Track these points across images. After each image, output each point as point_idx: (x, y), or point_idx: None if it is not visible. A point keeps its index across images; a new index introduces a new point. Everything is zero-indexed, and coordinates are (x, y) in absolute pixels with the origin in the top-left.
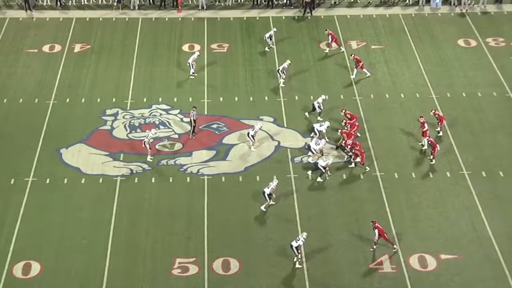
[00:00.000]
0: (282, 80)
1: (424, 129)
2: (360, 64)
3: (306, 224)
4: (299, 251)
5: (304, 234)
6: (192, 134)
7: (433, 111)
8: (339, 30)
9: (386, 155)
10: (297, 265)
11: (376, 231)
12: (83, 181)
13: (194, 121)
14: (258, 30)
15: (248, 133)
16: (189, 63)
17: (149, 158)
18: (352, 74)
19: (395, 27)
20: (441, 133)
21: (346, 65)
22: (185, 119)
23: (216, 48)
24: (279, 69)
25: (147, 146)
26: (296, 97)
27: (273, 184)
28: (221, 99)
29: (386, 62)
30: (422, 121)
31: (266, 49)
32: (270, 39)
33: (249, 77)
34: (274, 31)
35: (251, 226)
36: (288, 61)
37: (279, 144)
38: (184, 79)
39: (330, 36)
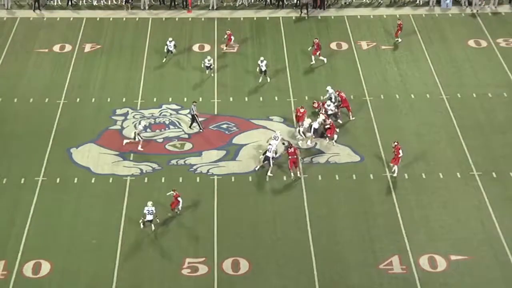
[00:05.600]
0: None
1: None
2: (319, 51)
3: (316, 224)
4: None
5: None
6: (201, 128)
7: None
8: (349, 30)
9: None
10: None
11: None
12: (93, 181)
13: (197, 115)
14: (268, 31)
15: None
16: (206, 66)
17: (140, 148)
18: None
19: (406, 28)
20: (352, 118)
21: (357, 65)
22: None
23: (226, 48)
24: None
25: (138, 138)
26: (306, 97)
27: (273, 145)
28: (231, 99)
29: (396, 63)
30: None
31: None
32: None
33: (259, 77)
34: (209, 60)
35: (261, 226)
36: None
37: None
38: (194, 79)
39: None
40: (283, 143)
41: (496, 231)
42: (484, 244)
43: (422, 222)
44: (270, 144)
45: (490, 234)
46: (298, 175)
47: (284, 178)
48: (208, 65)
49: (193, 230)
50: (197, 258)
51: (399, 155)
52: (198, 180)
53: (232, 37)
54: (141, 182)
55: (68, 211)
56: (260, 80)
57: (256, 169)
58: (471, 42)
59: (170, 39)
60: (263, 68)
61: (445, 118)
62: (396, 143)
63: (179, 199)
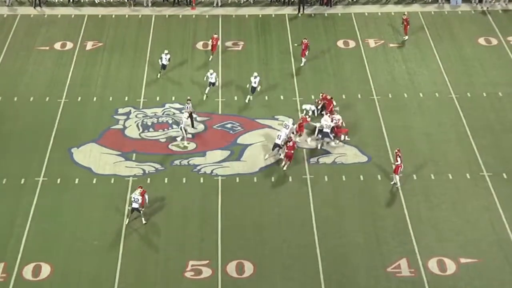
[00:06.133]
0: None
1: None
2: (306, 52)
3: (322, 226)
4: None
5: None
6: (193, 126)
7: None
8: (356, 28)
9: (404, 155)
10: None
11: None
12: (94, 181)
13: (192, 113)
14: (273, 28)
15: (276, 146)
16: (210, 81)
17: (185, 143)
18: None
19: (414, 25)
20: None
21: (364, 64)
22: (199, 118)
23: (231, 46)
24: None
25: (183, 131)
26: (313, 96)
27: (282, 133)
28: (235, 98)
29: (405, 61)
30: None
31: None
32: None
33: (264, 76)
34: (211, 73)
35: (266, 228)
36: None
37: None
38: (198, 78)
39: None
40: (293, 132)
41: (507, 233)
42: (494, 246)
43: (431, 224)
44: (280, 131)
45: (500, 236)
46: (285, 169)
47: (290, 179)
48: (214, 81)
49: (197, 231)
50: (200, 260)
51: (397, 162)
52: (202, 180)
53: (219, 42)
54: (144, 182)
55: (69, 212)
56: (246, 100)
57: (265, 158)
58: (481, 40)
59: (166, 51)
60: (254, 85)
61: (455, 117)
62: (396, 150)
63: (146, 196)
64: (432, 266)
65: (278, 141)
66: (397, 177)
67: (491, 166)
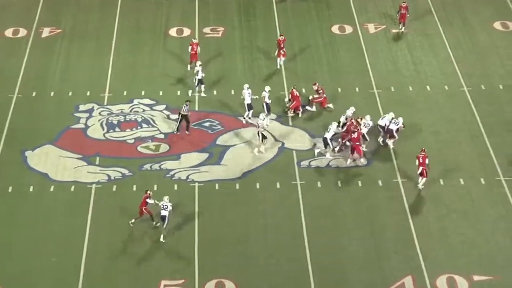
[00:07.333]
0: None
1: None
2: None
3: (315, 239)
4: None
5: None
6: (177, 130)
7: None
8: (354, 11)
9: (409, 158)
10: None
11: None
12: (52, 189)
13: (185, 116)
14: (259, 12)
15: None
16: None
17: (263, 149)
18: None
19: (420, 8)
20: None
21: (363, 52)
22: (172, 116)
23: (209, 32)
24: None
25: (260, 136)
26: (304, 90)
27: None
28: (214, 92)
29: (409, 49)
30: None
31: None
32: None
33: (248, 66)
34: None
35: (250, 242)
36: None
37: (283, 145)
38: (172, 69)
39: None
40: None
41: None
42: None
43: (440, 236)
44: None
45: None
46: (348, 164)
47: (278, 185)
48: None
49: (170, 247)
50: (174, 280)
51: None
52: (176, 187)
53: (198, 48)
54: (109, 190)
55: (22, 225)
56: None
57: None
58: (497, 25)
59: (199, 62)
60: (247, 99)
61: (467, 113)
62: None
63: (148, 200)
64: (441, 285)
65: (328, 135)
66: (423, 180)
67: (509, 169)
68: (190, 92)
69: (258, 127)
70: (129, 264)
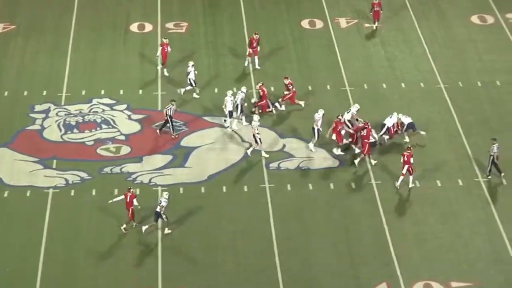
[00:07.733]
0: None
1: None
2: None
3: (285, 245)
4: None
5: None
6: (173, 133)
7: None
8: (324, 5)
9: (383, 159)
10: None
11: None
12: (6, 194)
13: (171, 117)
14: (225, 6)
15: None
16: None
17: (264, 154)
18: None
19: (394, 1)
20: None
21: (334, 48)
22: (134, 116)
23: (172, 27)
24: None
25: (257, 138)
26: (272, 88)
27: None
28: (178, 91)
29: (383, 44)
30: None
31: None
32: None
33: (213, 64)
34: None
35: (217, 249)
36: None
37: (251, 146)
38: (133, 67)
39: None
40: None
41: (507, 251)
42: (492, 267)
43: (416, 241)
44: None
45: (499, 255)
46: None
47: (245, 188)
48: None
49: (132, 255)
50: None
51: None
52: (138, 191)
53: (169, 48)
54: (67, 195)
55: None
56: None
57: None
58: (475, 18)
59: (192, 63)
60: (228, 108)
61: (444, 112)
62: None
63: (135, 201)
64: None
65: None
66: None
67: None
68: (182, 90)
69: (253, 129)
70: (87, 275)
